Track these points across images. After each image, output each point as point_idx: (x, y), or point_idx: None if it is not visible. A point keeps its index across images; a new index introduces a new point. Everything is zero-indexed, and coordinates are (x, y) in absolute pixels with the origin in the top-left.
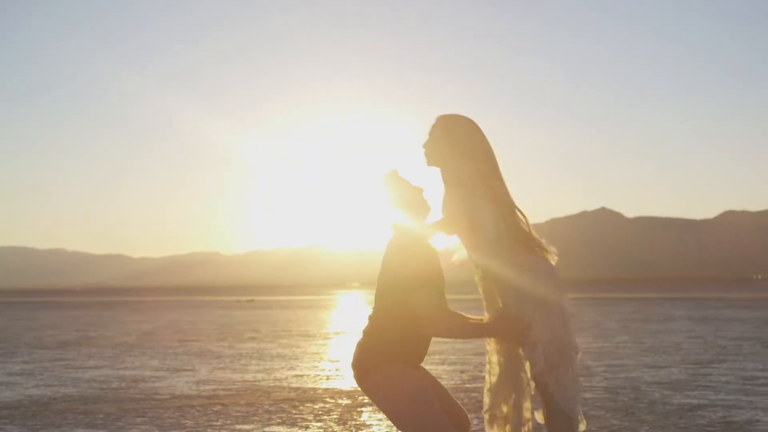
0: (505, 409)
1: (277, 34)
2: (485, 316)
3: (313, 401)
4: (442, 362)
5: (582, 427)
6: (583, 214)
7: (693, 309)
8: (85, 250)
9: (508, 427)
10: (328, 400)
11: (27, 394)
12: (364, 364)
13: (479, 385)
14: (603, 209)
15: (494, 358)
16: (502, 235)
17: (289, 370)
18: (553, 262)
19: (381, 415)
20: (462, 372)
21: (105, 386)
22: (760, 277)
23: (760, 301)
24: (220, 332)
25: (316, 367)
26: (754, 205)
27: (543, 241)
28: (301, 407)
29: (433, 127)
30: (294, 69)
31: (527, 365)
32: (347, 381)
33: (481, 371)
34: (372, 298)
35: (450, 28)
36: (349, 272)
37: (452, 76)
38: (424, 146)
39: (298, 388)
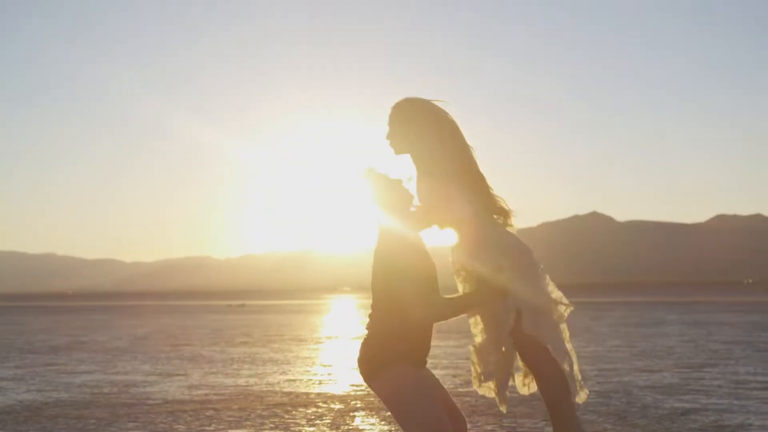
0: (492, 366)
1: (273, 36)
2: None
3: (306, 406)
4: (434, 367)
5: (582, 396)
6: (575, 218)
7: (684, 313)
8: (76, 255)
9: (493, 382)
10: (320, 404)
11: (18, 399)
12: (368, 364)
13: (472, 389)
14: (594, 213)
15: (478, 325)
16: (477, 211)
17: (281, 374)
18: (513, 230)
19: (374, 420)
20: (455, 376)
21: (97, 391)
22: (751, 281)
23: (751, 305)
24: (212, 337)
25: (309, 371)
26: (744, 210)
27: (505, 207)
28: (293, 412)
29: (391, 116)
30: (288, 77)
31: (507, 328)
32: (340, 385)
33: None
34: (365, 301)
35: (448, 31)
36: (341, 276)
37: (448, 79)
38: (387, 137)
39: (290, 393)
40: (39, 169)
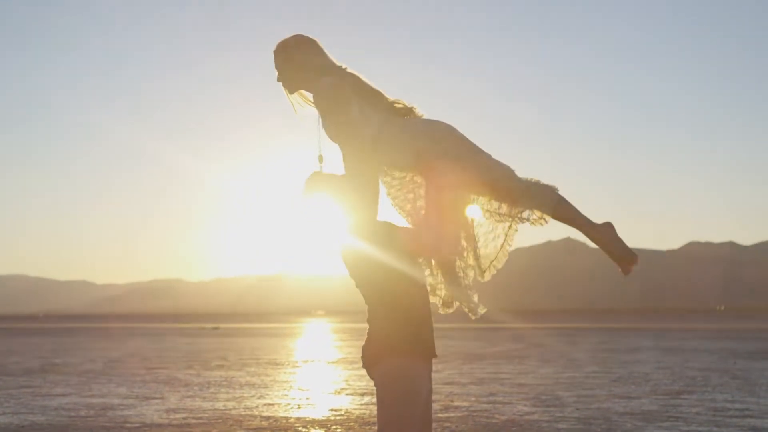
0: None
1: (247, 58)
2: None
3: (286, 430)
4: None
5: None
6: (548, 244)
7: (659, 339)
8: (47, 276)
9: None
10: (300, 429)
11: None
12: (370, 354)
13: (452, 414)
14: (568, 239)
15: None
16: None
17: (259, 398)
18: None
19: None
20: (433, 402)
21: (73, 414)
22: (723, 308)
23: (724, 332)
24: (187, 360)
25: (287, 395)
26: (717, 237)
27: (406, 103)
28: None
29: (276, 60)
30: (261, 97)
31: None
32: (319, 410)
33: (453, 401)
34: (339, 325)
35: (415, 50)
36: (314, 300)
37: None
38: (279, 79)
39: (269, 417)
40: (8, 189)
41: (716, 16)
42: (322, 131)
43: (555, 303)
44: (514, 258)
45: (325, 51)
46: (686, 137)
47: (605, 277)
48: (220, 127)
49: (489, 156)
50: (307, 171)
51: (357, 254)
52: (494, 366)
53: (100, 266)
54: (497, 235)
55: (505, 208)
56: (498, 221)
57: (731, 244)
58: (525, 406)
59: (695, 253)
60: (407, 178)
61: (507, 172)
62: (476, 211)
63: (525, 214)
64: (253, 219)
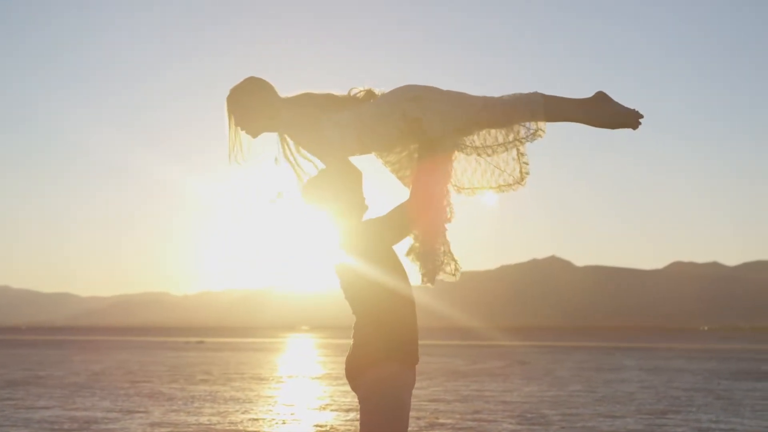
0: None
1: (233, 67)
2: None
3: None
4: None
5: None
6: (533, 262)
7: (643, 359)
8: (31, 288)
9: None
10: None
11: None
12: (356, 362)
13: None
14: (553, 257)
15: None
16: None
17: (243, 413)
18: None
19: None
20: (419, 419)
21: (57, 427)
22: (707, 328)
23: (708, 352)
24: (171, 374)
25: (271, 410)
26: (701, 257)
27: (360, 91)
28: None
29: (229, 108)
30: None
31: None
32: (303, 426)
33: (438, 418)
34: (323, 340)
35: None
36: (299, 315)
37: None
38: (238, 124)
39: None
40: None
41: (710, 35)
42: (277, 166)
43: (538, 320)
44: (499, 275)
45: (275, 89)
46: (671, 158)
47: (589, 296)
48: (207, 139)
49: (465, 94)
50: (306, 179)
51: (346, 265)
52: (479, 383)
53: (84, 279)
54: (510, 158)
55: (501, 137)
56: (502, 152)
57: (715, 264)
58: (510, 424)
59: (679, 273)
60: (405, 153)
61: (488, 99)
62: (491, 197)
63: (522, 133)
64: (239, 233)
